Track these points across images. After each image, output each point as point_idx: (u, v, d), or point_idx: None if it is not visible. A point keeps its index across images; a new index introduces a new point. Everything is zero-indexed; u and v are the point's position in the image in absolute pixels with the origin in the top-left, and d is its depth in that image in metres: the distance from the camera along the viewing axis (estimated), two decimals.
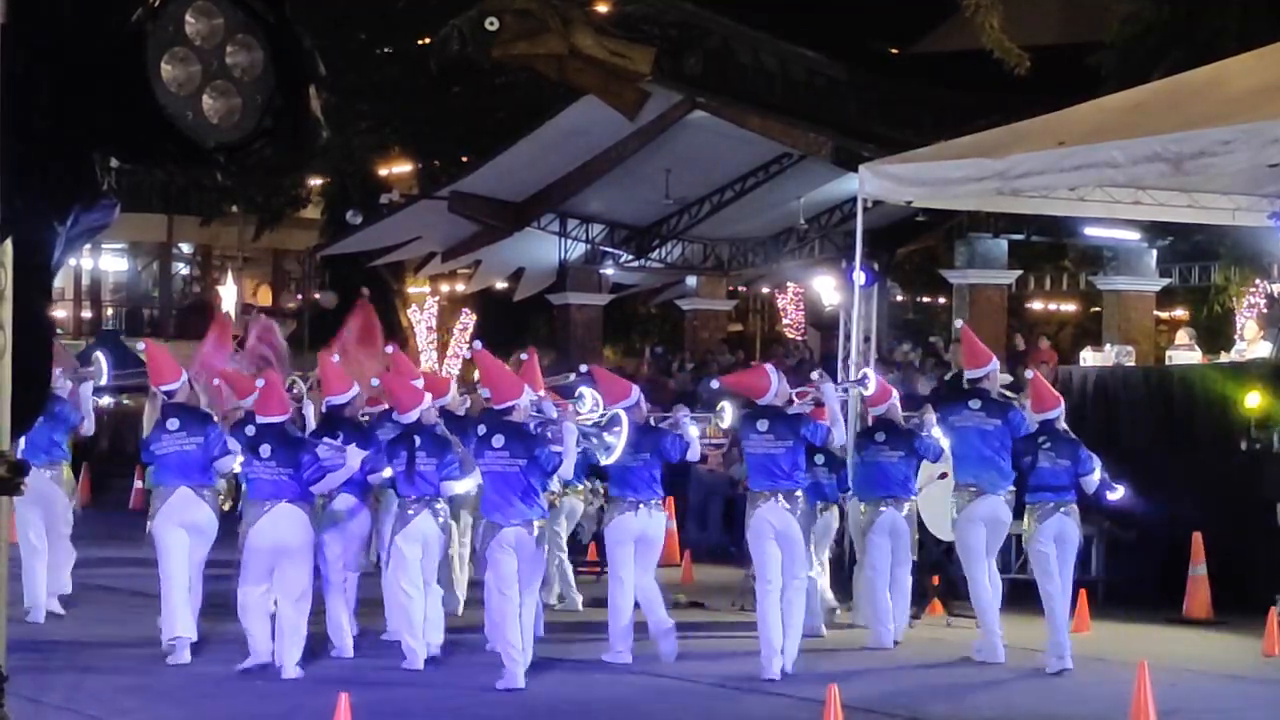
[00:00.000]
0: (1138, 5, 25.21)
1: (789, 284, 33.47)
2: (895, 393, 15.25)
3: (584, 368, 16.17)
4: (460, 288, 37.10)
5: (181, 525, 13.20)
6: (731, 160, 27.47)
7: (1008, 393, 14.98)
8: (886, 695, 11.89)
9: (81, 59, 3.99)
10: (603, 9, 26.41)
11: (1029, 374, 15.97)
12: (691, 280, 31.73)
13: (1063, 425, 14.07)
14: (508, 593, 12.28)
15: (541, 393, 14.27)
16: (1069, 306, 34.73)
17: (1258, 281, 24.28)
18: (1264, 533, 17.50)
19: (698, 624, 15.86)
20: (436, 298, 38.00)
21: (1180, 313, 29.14)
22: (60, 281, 48.18)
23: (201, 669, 12.85)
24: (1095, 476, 13.91)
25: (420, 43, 32.85)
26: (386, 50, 35.39)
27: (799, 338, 33.70)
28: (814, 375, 14.31)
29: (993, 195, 18.41)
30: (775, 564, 12.96)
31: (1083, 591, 16.05)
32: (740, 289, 35.44)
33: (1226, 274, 25.23)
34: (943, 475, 15.97)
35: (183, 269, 53.30)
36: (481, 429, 12.61)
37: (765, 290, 36.94)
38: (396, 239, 32.21)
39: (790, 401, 13.41)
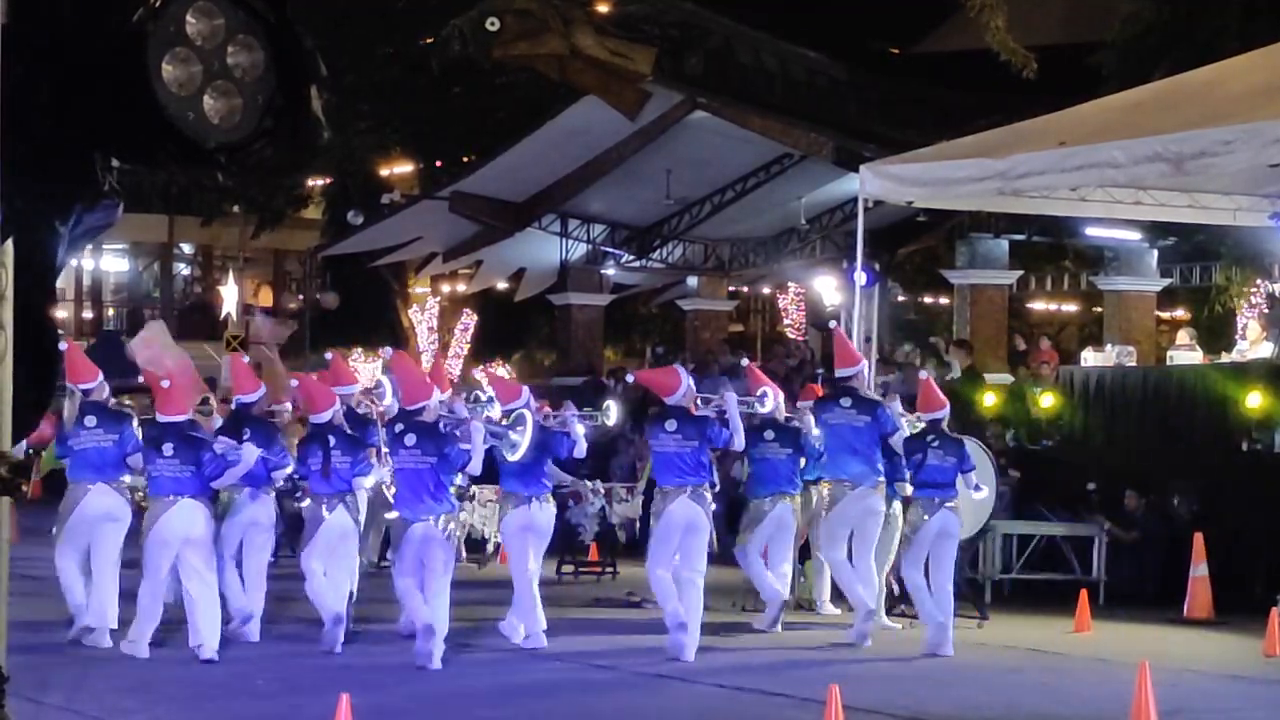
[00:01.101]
0: (1138, 5, 25.19)
1: (790, 284, 33.45)
2: (781, 393, 15.85)
3: (478, 370, 16.88)
4: (461, 288, 37.09)
5: (101, 518, 13.85)
6: (732, 160, 27.46)
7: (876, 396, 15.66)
8: (887, 695, 11.89)
9: (82, 59, 3.99)
10: (603, 9, 26.40)
11: (921, 375, 16.56)
12: (692, 280, 31.72)
13: (946, 426, 14.90)
14: (412, 580, 13.07)
15: (449, 394, 14.90)
16: (1070, 307, 34.71)
17: (1259, 282, 24.26)
18: (1264, 533, 17.52)
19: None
20: (437, 298, 37.99)
21: (1181, 313, 29.12)
22: (61, 282, 47.76)
23: (202, 669, 12.86)
24: (973, 476, 14.74)
25: (421, 43, 32.82)
26: (387, 50, 35.36)
27: (800, 338, 33.67)
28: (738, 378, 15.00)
29: (994, 195, 18.42)
30: (675, 552, 13.78)
31: (1084, 592, 16.08)
32: (741, 289, 35.42)
33: (1227, 274, 25.21)
34: None
35: (184, 269, 53.31)
36: (396, 428, 13.28)
37: (766, 290, 36.92)
38: (397, 239, 32.21)
39: (696, 404, 14.08)
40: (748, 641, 15.00)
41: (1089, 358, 21.64)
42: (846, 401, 14.94)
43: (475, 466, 13.23)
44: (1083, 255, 28.54)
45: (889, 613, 15.86)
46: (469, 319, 36.82)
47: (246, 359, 16.02)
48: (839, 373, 15.36)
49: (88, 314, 51.33)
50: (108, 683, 12.08)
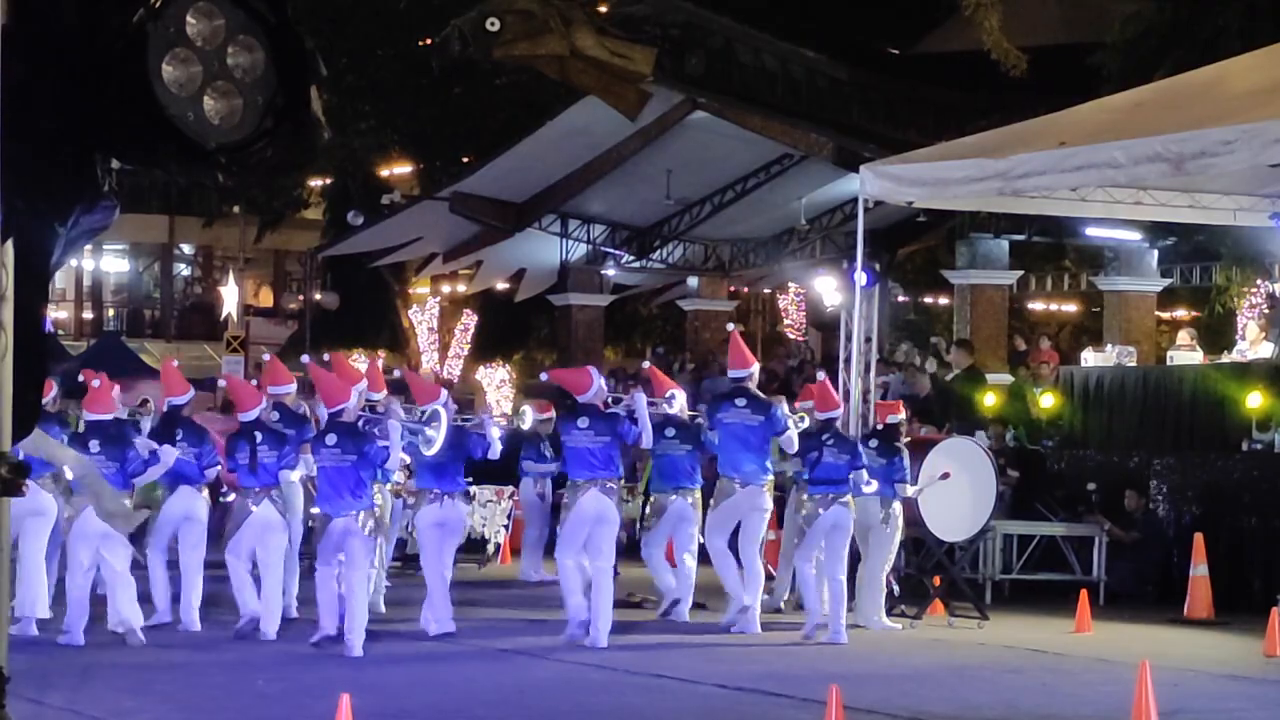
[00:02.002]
0: (1139, 5, 25.19)
1: (790, 284, 33.45)
2: (680, 393, 16.31)
3: (397, 371, 17.94)
4: (461, 288, 37.10)
5: (29, 513, 14.11)
6: (733, 161, 27.46)
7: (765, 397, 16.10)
8: (888, 696, 11.89)
9: (83, 60, 3.99)
10: (604, 9, 26.41)
11: (820, 376, 17.13)
12: (693, 281, 31.72)
13: (839, 425, 15.64)
14: (329, 572, 13.67)
15: (384, 394, 15.73)
16: (1070, 307, 34.71)
17: (1259, 282, 24.26)
18: (1264, 533, 17.52)
19: (698, 624, 15.87)
20: (438, 298, 38.00)
21: (1181, 313, 29.14)
22: (61, 282, 48.22)
23: (202, 670, 12.87)
24: (865, 473, 15.29)
25: (421, 43, 32.84)
26: (387, 50, 35.37)
27: (800, 338, 33.68)
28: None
29: (994, 195, 18.41)
30: (581, 542, 14.34)
31: (1084, 592, 16.08)
32: (741, 289, 35.43)
33: (1228, 274, 25.20)
34: (944, 475, 16.01)
35: (184, 270, 53.32)
36: (318, 428, 14.24)
37: (766, 291, 36.92)
38: (398, 240, 32.21)
39: (606, 404, 14.77)
40: (748, 642, 15.00)
41: (1089, 358, 21.64)
42: (741, 401, 15.49)
43: (394, 462, 14.08)
44: (1083, 255, 28.53)
45: (889, 613, 15.89)
46: (469, 319, 36.83)
47: (176, 363, 16.71)
48: (733, 374, 15.97)
49: (88, 314, 51.34)
50: (108, 683, 12.08)
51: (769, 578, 17.24)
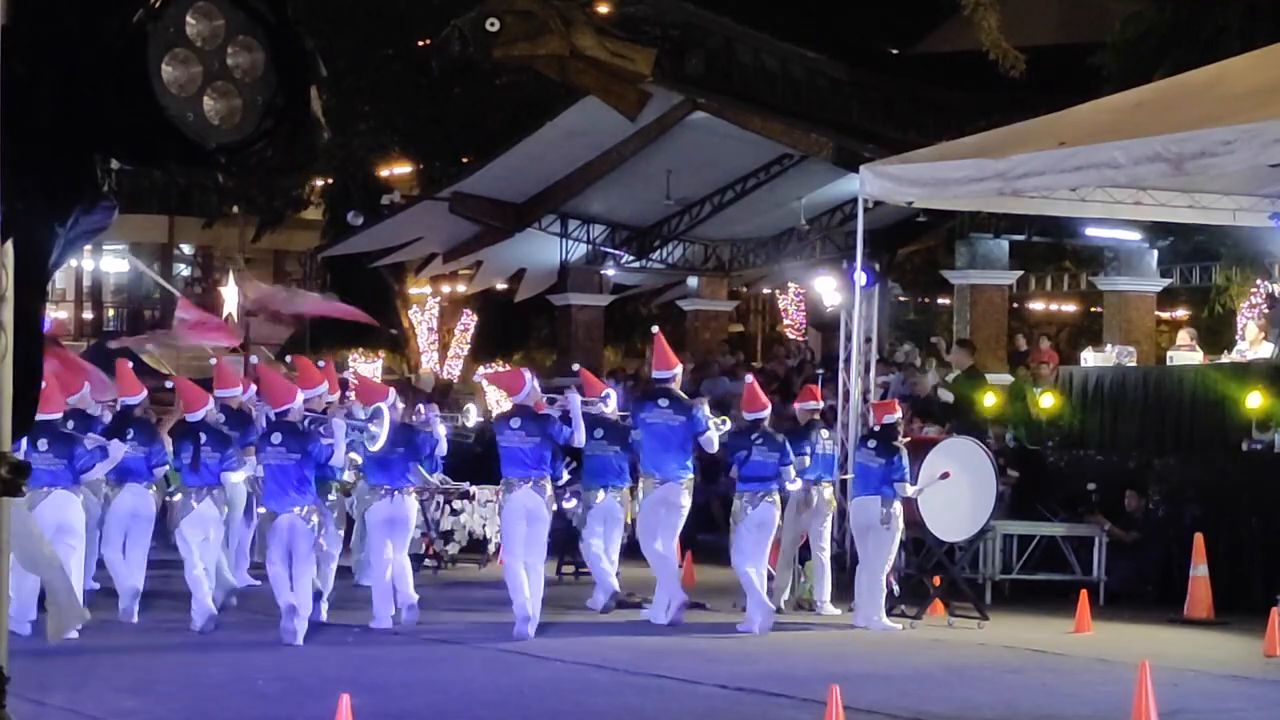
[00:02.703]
0: (1139, 5, 25.19)
1: (790, 284, 33.44)
2: (614, 393, 16.78)
3: (349, 373, 17.96)
4: (461, 289, 37.09)
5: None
6: (732, 161, 27.47)
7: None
8: (887, 695, 11.89)
9: (83, 60, 3.98)
10: (604, 10, 26.41)
11: (747, 379, 17.40)
12: (693, 281, 31.73)
13: (768, 424, 15.99)
14: (281, 567, 14.16)
15: (337, 394, 16.35)
16: (1070, 307, 34.71)
17: (1259, 282, 24.27)
18: (1264, 533, 17.51)
19: (699, 624, 15.88)
20: (438, 299, 37.98)
21: (1181, 313, 29.13)
22: (61, 283, 48.20)
23: (202, 670, 12.88)
24: (791, 470, 15.77)
25: (421, 43, 32.84)
26: (387, 51, 35.37)
27: (800, 338, 33.67)
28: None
29: (994, 196, 18.42)
30: (522, 541, 14.77)
31: (1084, 592, 16.08)
32: (741, 289, 35.42)
33: (1227, 274, 25.21)
34: (944, 475, 16.00)
35: (184, 270, 53.30)
36: (263, 427, 14.85)
37: (766, 291, 36.92)
38: (398, 240, 32.21)
39: (538, 404, 15.28)
40: (748, 642, 15.01)
41: (1089, 358, 21.62)
42: (664, 402, 15.86)
43: (338, 459, 14.76)
44: (1083, 255, 28.53)
45: (889, 613, 15.89)
46: (469, 319, 36.81)
47: (130, 365, 17.16)
48: (656, 375, 16.46)
49: (88, 314, 51.31)
50: (108, 683, 12.08)
51: (768, 578, 17.28)
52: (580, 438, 15.35)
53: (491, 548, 20.24)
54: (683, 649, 14.33)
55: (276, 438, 14.32)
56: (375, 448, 14.82)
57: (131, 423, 15.53)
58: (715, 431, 15.81)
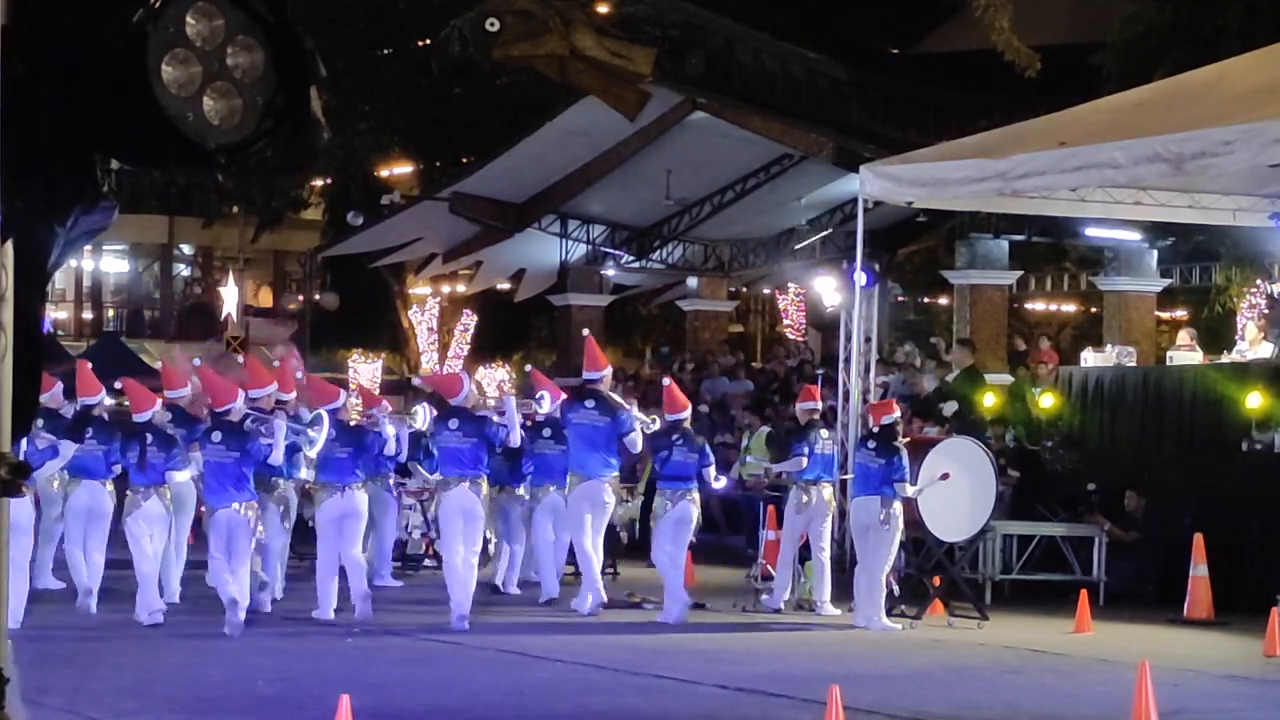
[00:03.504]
0: (1139, 5, 25.18)
1: (790, 284, 33.44)
2: (548, 395, 17.49)
3: (301, 374, 18.89)
4: (461, 289, 37.08)
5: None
6: (732, 161, 27.46)
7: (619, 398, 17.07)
8: (887, 695, 11.89)
9: (83, 60, 3.98)
10: (603, 10, 26.40)
11: (665, 381, 17.65)
12: (692, 281, 31.72)
13: (688, 425, 16.41)
14: (220, 557, 14.61)
15: (292, 395, 17.03)
16: (1070, 307, 34.71)
17: (1258, 282, 24.25)
18: (1264, 533, 17.51)
19: (699, 624, 15.88)
20: (437, 299, 37.97)
21: (1181, 313, 29.11)
22: (61, 283, 48.20)
23: (202, 670, 12.88)
24: (713, 470, 16.33)
25: (420, 43, 32.84)
26: (387, 51, 35.37)
27: (800, 338, 33.67)
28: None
29: (994, 196, 18.41)
30: (460, 537, 15.30)
31: (1084, 592, 16.08)
32: (741, 289, 35.42)
33: (1227, 274, 25.20)
34: (944, 476, 16.00)
35: (184, 270, 53.28)
36: (205, 426, 15.30)
37: (766, 291, 36.91)
38: (398, 240, 32.21)
39: (475, 407, 16.00)
40: (748, 642, 15.01)
41: (1089, 358, 21.61)
42: (590, 403, 16.43)
43: (276, 458, 15.20)
44: (1083, 255, 28.53)
45: (889, 613, 15.88)
46: (469, 319, 36.81)
47: (90, 365, 17.51)
48: (586, 375, 16.89)
49: (88, 314, 51.31)
50: (108, 683, 12.08)
51: (767, 578, 17.29)
52: (516, 438, 16.12)
53: (492, 548, 20.23)
54: (683, 649, 14.33)
55: (217, 436, 14.80)
56: (313, 452, 15.64)
57: (90, 422, 15.94)
58: (639, 434, 16.31)
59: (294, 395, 17.08)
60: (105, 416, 16.19)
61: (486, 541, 20.20)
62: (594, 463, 16.27)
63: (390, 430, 16.56)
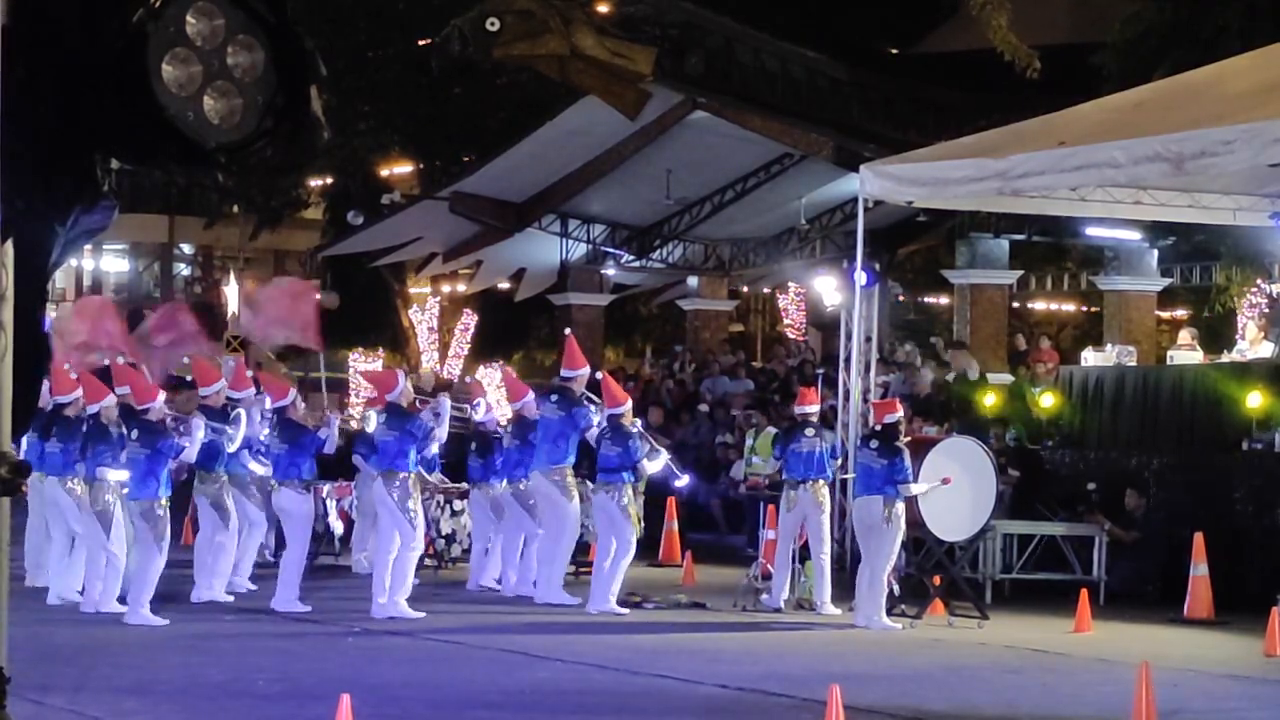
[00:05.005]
0: (1139, 5, 25.18)
1: (790, 284, 33.44)
2: (484, 402, 18.90)
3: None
4: (461, 288, 37.07)
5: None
6: (733, 160, 27.45)
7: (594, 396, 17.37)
8: (887, 695, 11.88)
9: (83, 60, 3.98)
10: (604, 9, 26.39)
11: (598, 374, 18.10)
12: (693, 280, 31.72)
13: (628, 420, 16.80)
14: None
15: (249, 391, 17.56)
16: (1070, 306, 34.71)
17: (1259, 282, 24.26)
18: (1264, 533, 17.51)
19: (699, 624, 15.88)
20: (438, 298, 37.96)
21: (1181, 313, 29.12)
22: (61, 282, 48.19)
23: (202, 670, 12.88)
24: (654, 465, 16.87)
25: (420, 43, 32.82)
26: (387, 50, 35.34)
27: (800, 338, 33.66)
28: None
29: (994, 195, 18.41)
30: (375, 528, 16.19)
31: (1084, 592, 16.07)
32: (741, 289, 35.41)
33: (1228, 274, 25.20)
34: (945, 480, 16.01)
35: (184, 270, 53.29)
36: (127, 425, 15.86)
37: (766, 290, 36.91)
38: (398, 239, 32.20)
39: (412, 404, 16.59)
40: (748, 642, 15.01)
41: (1089, 358, 21.61)
42: (554, 398, 17.15)
43: (190, 455, 15.95)
44: (1083, 255, 28.53)
45: (889, 613, 15.88)
46: (469, 319, 36.79)
47: (67, 366, 17.58)
48: (563, 373, 17.48)
49: None
50: (108, 683, 12.08)
51: (767, 577, 17.28)
52: (442, 434, 17.08)
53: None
54: (683, 649, 14.33)
55: (134, 434, 15.61)
56: (232, 448, 16.59)
57: (58, 421, 16.44)
58: (599, 430, 16.83)
59: (250, 392, 17.55)
60: (72, 415, 16.51)
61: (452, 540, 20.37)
62: (543, 455, 16.95)
63: (326, 431, 17.19)
